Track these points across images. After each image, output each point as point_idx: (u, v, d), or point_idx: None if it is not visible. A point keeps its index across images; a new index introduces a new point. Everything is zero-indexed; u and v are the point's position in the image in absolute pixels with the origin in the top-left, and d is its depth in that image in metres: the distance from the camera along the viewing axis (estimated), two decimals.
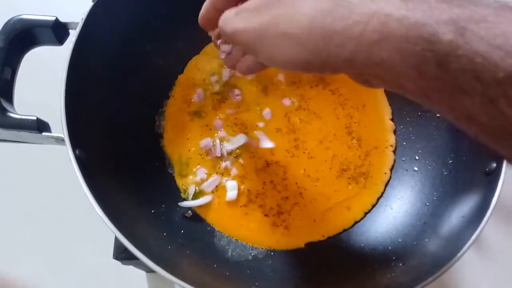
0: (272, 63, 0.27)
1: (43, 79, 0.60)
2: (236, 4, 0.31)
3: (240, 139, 0.52)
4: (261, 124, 0.54)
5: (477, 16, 0.21)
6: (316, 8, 0.24)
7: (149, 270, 0.54)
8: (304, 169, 0.52)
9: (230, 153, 0.52)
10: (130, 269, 0.51)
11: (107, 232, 0.48)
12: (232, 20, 0.28)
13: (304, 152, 0.52)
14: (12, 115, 0.39)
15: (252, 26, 0.27)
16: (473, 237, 0.37)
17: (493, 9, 0.21)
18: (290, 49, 0.25)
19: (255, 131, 0.53)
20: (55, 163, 0.58)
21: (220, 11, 0.31)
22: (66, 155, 0.38)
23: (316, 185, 0.51)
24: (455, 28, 0.21)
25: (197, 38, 0.58)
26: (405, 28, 0.22)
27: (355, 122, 0.54)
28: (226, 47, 0.39)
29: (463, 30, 0.21)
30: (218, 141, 0.53)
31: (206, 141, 0.53)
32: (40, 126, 0.39)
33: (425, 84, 0.23)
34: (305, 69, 0.26)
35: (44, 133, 0.39)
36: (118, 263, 0.47)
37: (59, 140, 0.39)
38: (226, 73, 0.57)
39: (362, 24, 0.23)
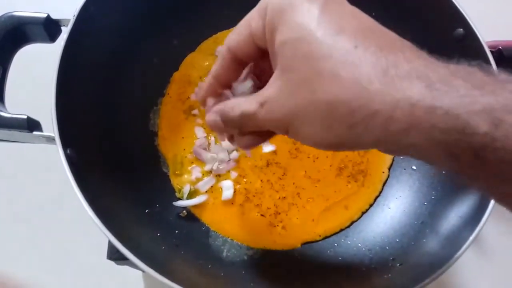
0: (303, 143, 0.27)
1: (34, 77, 0.59)
2: (239, 74, 0.31)
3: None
4: None
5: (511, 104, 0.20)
6: (334, 96, 0.23)
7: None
8: (305, 171, 0.51)
9: (225, 151, 0.51)
10: (126, 268, 0.50)
11: (102, 232, 0.48)
12: (255, 114, 0.28)
13: (308, 157, 0.52)
14: (2, 114, 0.39)
15: (277, 117, 0.27)
16: (472, 237, 0.37)
17: None
18: (315, 134, 0.25)
19: None
20: (48, 163, 0.57)
21: (223, 85, 0.32)
22: (58, 154, 0.37)
23: (316, 186, 0.50)
24: (490, 119, 0.20)
25: (193, 35, 0.58)
26: (434, 119, 0.21)
27: None
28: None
29: (498, 121, 0.20)
30: (213, 139, 0.52)
31: (201, 140, 0.52)
32: (30, 125, 0.38)
33: (459, 167, 0.22)
34: (336, 149, 0.27)
35: (34, 132, 0.39)
36: (113, 263, 0.46)
37: (50, 139, 0.38)
38: None
39: (384, 114, 0.22)
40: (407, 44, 0.25)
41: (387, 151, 0.26)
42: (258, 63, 0.31)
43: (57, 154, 0.40)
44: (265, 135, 0.32)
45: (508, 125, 0.20)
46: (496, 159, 0.20)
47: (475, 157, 0.21)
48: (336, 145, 0.25)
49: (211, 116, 0.32)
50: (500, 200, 0.24)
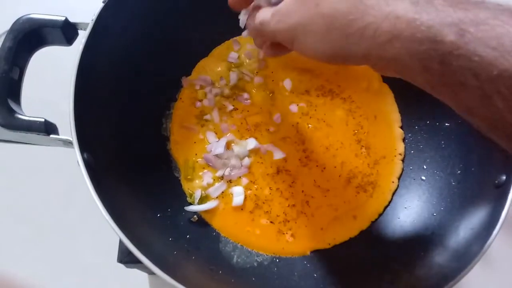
0: (304, 55, 0.31)
1: (50, 79, 0.59)
2: None
3: (249, 143, 0.52)
4: (271, 129, 0.54)
5: (477, 19, 0.23)
6: (334, 8, 0.27)
7: (151, 272, 0.54)
8: (315, 180, 0.51)
9: (237, 157, 0.52)
10: (132, 270, 0.50)
11: (109, 234, 0.48)
12: (268, 23, 0.33)
13: (317, 166, 0.52)
14: (20, 116, 0.39)
15: (284, 27, 0.31)
16: (482, 250, 0.37)
17: (493, 12, 0.24)
18: (315, 44, 0.29)
19: (264, 144, 0.53)
20: (60, 164, 0.58)
21: None
22: (70, 156, 0.37)
23: (325, 196, 0.50)
24: (457, 30, 0.23)
25: (205, 41, 0.58)
26: (413, 29, 0.25)
27: (365, 133, 0.53)
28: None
29: (463, 32, 0.23)
30: (224, 145, 0.52)
31: (212, 145, 0.52)
32: (48, 128, 0.39)
33: (430, 78, 0.26)
34: (331, 61, 0.30)
35: (52, 136, 0.39)
36: (119, 264, 0.46)
37: (67, 143, 0.39)
38: (233, 76, 0.56)
39: (375, 26, 0.26)
40: None
41: (374, 66, 0.29)
42: None
43: (66, 156, 0.40)
44: (280, 48, 0.36)
45: (471, 35, 0.23)
46: (458, 65, 0.24)
47: (441, 64, 0.24)
48: (332, 56, 0.29)
49: (249, 21, 0.39)
50: (462, 110, 0.26)
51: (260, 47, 0.41)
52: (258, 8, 0.37)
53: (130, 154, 0.47)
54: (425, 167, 0.51)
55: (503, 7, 0.24)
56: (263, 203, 0.50)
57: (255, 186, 0.51)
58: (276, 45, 0.37)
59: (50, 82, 0.59)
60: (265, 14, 0.33)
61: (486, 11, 0.24)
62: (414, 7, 0.25)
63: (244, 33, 0.43)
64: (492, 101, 0.23)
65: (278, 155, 0.52)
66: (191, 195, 0.50)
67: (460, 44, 0.23)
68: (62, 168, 0.58)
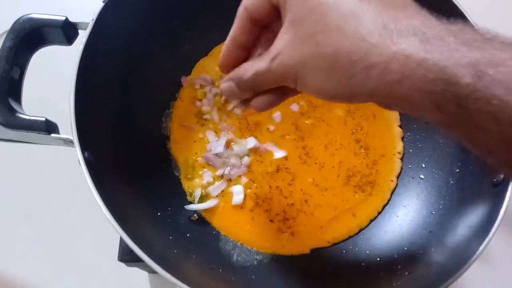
0: (308, 93, 0.29)
1: (50, 78, 0.59)
2: (257, 37, 0.33)
3: (249, 142, 0.52)
4: (271, 128, 0.54)
5: (495, 60, 0.22)
6: (336, 48, 0.25)
7: (152, 271, 0.54)
8: (313, 178, 0.51)
9: (237, 156, 0.52)
10: (132, 269, 0.51)
11: (109, 233, 0.48)
12: (267, 69, 0.30)
13: (315, 163, 0.52)
14: (20, 115, 0.39)
15: (286, 68, 0.29)
16: (480, 248, 0.37)
17: (510, 52, 0.22)
18: (319, 84, 0.27)
19: (264, 144, 0.53)
20: (61, 164, 0.58)
21: (242, 48, 0.33)
22: (71, 156, 0.38)
23: (324, 195, 0.51)
24: (474, 72, 0.22)
25: (205, 40, 0.58)
26: (425, 70, 0.23)
27: (364, 133, 0.54)
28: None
29: (481, 74, 0.22)
30: (224, 144, 0.52)
31: (212, 144, 0.53)
32: (49, 127, 0.39)
33: (444, 118, 0.24)
34: (335, 100, 0.28)
35: (52, 135, 0.39)
36: (119, 263, 0.47)
37: (68, 142, 0.39)
38: None
39: (381, 65, 0.24)
40: (408, 1, 0.27)
41: (380, 103, 0.28)
42: (272, 26, 0.32)
43: (66, 155, 0.40)
44: (279, 93, 0.33)
45: (489, 77, 0.22)
46: (476, 108, 0.22)
47: (457, 106, 0.23)
48: (336, 95, 0.27)
49: (225, 83, 0.34)
50: (480, 151, 0.25)
51: (245, 103, 0.35)
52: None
53: (130, 153, 0.47)
54: (423, 165, 0.52)
55: None
56: (263, 201, 0.50)
57: (255, 185, 0.51)
58: (273, 91, 0.33)
59: (51, 82, 0.59)
60: (259, 65, 0.30)
61: (503, 51, 0.22)
62: (424, 45, 0.23)
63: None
64: None
65: (278, 154, 0.52)
66: (191, 194, 0.50)
67: (479, 87, 0.22)
68: (63, 167, 0.58)
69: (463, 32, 0.24)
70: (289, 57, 0.28)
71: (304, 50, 0.27)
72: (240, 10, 0.32)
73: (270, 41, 0.33)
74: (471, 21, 0.45)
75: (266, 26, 0.32)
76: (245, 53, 0.33)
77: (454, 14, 0.47)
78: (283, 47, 0.28)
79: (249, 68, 0.31)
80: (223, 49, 0.34)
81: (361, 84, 0.25)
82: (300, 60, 0.27)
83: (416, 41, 0.23)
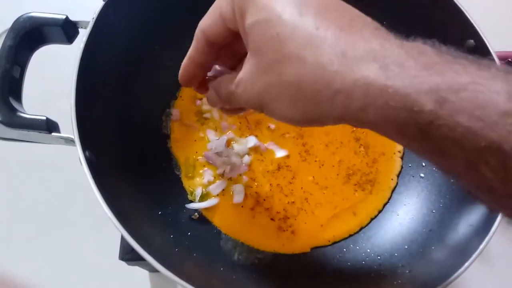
0: (276, 119, 0.29)
1: (50, 77, 0.59)
2: (214, 58, 0.33)
3: (249, 141, 0.52)
4: (272, 126, 0.54)
5: (456, 85, 0.21)
6: (298, 77, 0.25)
7: (152, 270, 0.54)
8: (313, 176, 0.52)
9: (237, 155, 0.52)
10: (133, 268, 0.51)
11: (110, 232, 0.48)
12: (235, 94, 0.30)
13: (315, 161, 0.52)
14: (21, 114, 0.39)
15: (250, 97, 0.29)
16: (481, 246, 0.37)
17: (472, 75, 0.22)
18: (285, 111, 0.27)
19: (265, 143, 0.53)
20: (61, 163, 0.58)
21: (201, 66, 0.34)
22: (71, 155, 0.38)
23: (324, 193, 0.51)
24: (435, 98, 0.21)
25: None
26: (386, 98, 0.22)
27: (363, 132, 0.54)
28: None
29: (443, 100, 0.21)
30: (225, 143, 0.52)
31: (212, 144, 0.53)
32: (49, 126, 0.39)
33: (410, 143, 0.24)
34: (304, 125, 0.28)
35: (53, 134, 0.39)
36: (120, 262, 0.47)
37: (69, 141, 0.39)
38: None
39: (344, 93, 0.24)
40: (367, 21, 0.26)
41: (351, 125, 0.27)
42: (233, 44, 0.32)
43: (67, 154, 0.40)
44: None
45: (451, 104, 0.21)
46: (439, 135, 0.22)
47: (421, 133, 0.22)
48: (305, 122, 0.27)
49: (209, 92, 0.35)
50: (448, 174, 0.25)
51: (224, 110, 0.39)
52: (212, 79, 0.35)
53: (130, 152, 0.47)
54: (424, 164, 0.52)
55: (479, 64, 0.22)
56: (264, 200, 0.50)
57: (256, 184, 0.51)
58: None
59: (51, 81, 0.59)
60: (227, 85, 0.31)
61: (464, 75, 0.22)
62: (385, 72, 0.23)
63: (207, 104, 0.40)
64: (480, 170, 0.22)
65: (280, 153, 0.52)
66: (191, 193, 0.50)
67: (440, 114, 0.21)
68: (63, 166, 0.58)
69: (424, 55, 0.23)
70: (252, 85, 0.28)
71: (267, 79, 0.27)
72: (197, 32, 0.32)
73: (229, 57, 0.34)
74: (473, 21, 0.45)
75: (224, 46, 0.32)
76: (204, 70, 0.34)
77: (454, 12, 0.47)
78: (247, 74, 0.28)
79: (222, 87, 0.32)
80: (182, 65, 0.34)
81: (327, 111, 0.25)
82: (263, 89, 0.27)
83: (376, 67, 0.23)
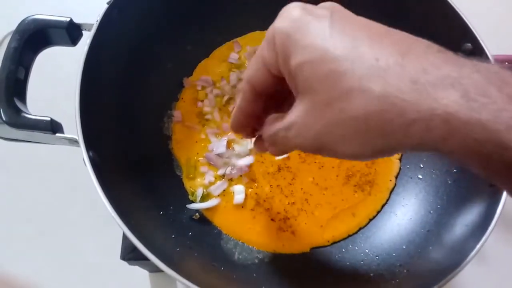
0: (339, 158, 0.29)
1: (54, 79, 0.60)
2: (264, 107, 0.32)
3: (250, 142, 0.52)
4: None
5: None
6: (365, 109, 0.23)
7: (152, 270, 0.55)
8: (313, 177, 0.52)
9: (238, 156, 0.53)
10: (133, 268, 0.51)
11: (110, 233, 0.49)
12: (286, 139, 0.28)
13: (315, 162, 0.53)
14: (26, 115, 0.39)
15: (306, 140, 0.27)
16: (478, 246, 0.38)
17: None
18: (351, 149, 0.25)
19: None
20: (61, 162, 0.58)
21: (251, 116, 0.32)
22: (72, 155, 0.38)
23: (324, 194, 0.51)
24: None
25: (207, 42, 0.59)
26: (471, 130, 0.21)
27: None
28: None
29: None
30: (226, 144, 0.53)
31: (213, 145, 0.53)
32: (54, 127, 0.39)
33: (490, 175, 0.23)
34: (374, 158, 0.27)
35: (57, 134, 0.40)
36: (121, 262, 0.47)
37: (72, 142, 0.39)
38: (233, 77, 0.57)
39: (423, 122, 0.22)
40: (426, 45, 0.24)
41: (428, 152, 0.25)
42: (280, 92, 0.31)
43: (69, 154, 0.40)
44: None
45: None
46: None
47: (506, 168, 0.21)
48: (375, 155, 0.26)
49: (264, 144, 0.32)
50: None
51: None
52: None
53: (133, 152, 0.48)
54: (421, 166, 0.53)
55: None
56: (264, 201, 0.51)
57: (256, 184, 0.52)
58: None
59: (55, 82, 0.60)
60: (276, 130, 0.29)
61: None
62: (467, 102, 0.21)
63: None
64: None
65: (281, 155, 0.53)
66: (193, 193, 0.51)
67: None
68: (63, 166, 0.59)
69: (505, 82, 0.22)
70: (307, 128, 0.26)
71: (326, 119, 0.25)
72: (244, 83, 0.31)
73: (280, 106, 0.32)
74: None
75: (273, 95, 0.31)
76: (254, 120, 0.33)
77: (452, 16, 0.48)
78: (299, 116, 0.26)
79: (268, 128, 0.31)
80: (233, 115, 0.33)
81: (400, 141, 0.23)
82: (323, 130, 0.25)
83: (457, 96, 0.21)
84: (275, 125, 0.29)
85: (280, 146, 0.30)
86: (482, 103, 0.21)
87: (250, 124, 0.34)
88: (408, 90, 0.22)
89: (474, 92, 0.21)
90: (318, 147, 0.27)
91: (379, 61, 0.23)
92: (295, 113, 0.27)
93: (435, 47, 0.24)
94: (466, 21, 0.47)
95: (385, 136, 0.24)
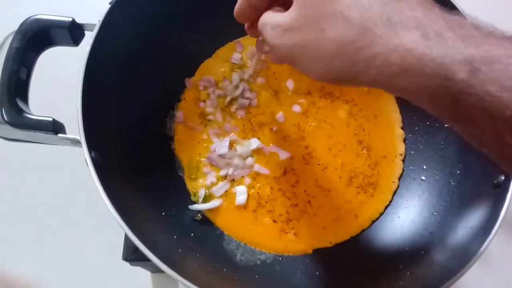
0: (305, 74, 0.30)
1: (56, 79, 0.60)
2: (269, 2, 0.34)
3: (252, 143, 0.52)
4: (275, 128, 0.54)
5: (490, 57, 0.23)
6: (341, 35, 0.26)
7: (154, 271, 0.54)
8: (317, 179, 0.52)
9: (240, 157, 0.52)
10: (135, 269, 0.51)
11: (112, 233, 0.49)
12: (270, 33, 0.31)
13: (318, 164, 0.53)
14: (28, 115, 0.39)
15: (285, 44, 0.30)
16: (481, 249, 0.38)
17: (506, 49, 0.23)
18: (320, 68, 0.28)
19: (267, 146, 0.53)
20: (62, 163, 0.58)
21: (254, 8, 0.34)
22: (74, 155, 0.38)
23: (327, 196, 0.51)
24: (469, 68, 0.23)
25: (208, 42, 0.59)
26: (422, 65, 0.24)
27: (366, 134, 0.54)
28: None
29: (476, 70, 0.22)
30: (228, 145, 0.53)
31: (215, 145, 0.53)
32: (56, 128, 0.39)
33: (440, 111, 0.25)
34: (335, 83, 0.29)
35: (59, 135, 0.40)
36: (122, 262, 0.47)
37: (75, 142, 0.39)
38: (236, 77, 0.57)
39: (383, 56, 0.25)
40: None
41: (384, 89, 0.28)
42: None
43: (67, 155, 0.40)
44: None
45: (483, 74, 0.22)
46: (469, 103, 0.23)
47: (452, 101, 0.24)
48: (336, 80, 0.28)
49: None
50: (476, 143, 0.26)
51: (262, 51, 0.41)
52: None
53: (135, 153, 0.48)
54: (425, 167, 0.52)
55: None
56: (266, 202, 0.51)
57: (258, 185, 0.52)
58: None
59: (57, 82, 0.59)
60: (266, 22, 0.32)
61: (498, 48, 0.23)
62: (424, 41, 0.24)
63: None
64: (505, 138, 0.23)
65: (283, 155, 0.53)
66: (195, 194, 0.51)
67: (472, 83, 0.23)
68: (64, 167, 0.59)
69: (462, 27, 0.24)
70: (289, 35, 0.29)
71: (307, 34, 0.28)
72: None
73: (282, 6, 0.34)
74: (462, 11, 0.46)
75: None
76: (257, 12, 0.34)
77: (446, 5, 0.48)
78: (286, 21, 0.29)
79: (265, 21, 0.32)
80: (238, 3, 0.35)
81: (363, 71, 0.26)
82: (300, 43, 0.28)
83: (418, 35, 0.24)
84: (268, 17, 0.32)
85: (266, 38, 0.32)
86: (436, 42, 0.24)
87: (252, 17, 0.35)
88: (381, 26, 0.25)
89: (432, 33, 0.24)
90: (291, 57, 0.30)
91: None
92: (285, 17, 0.29)
93: None
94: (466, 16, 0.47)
95: (352, 65, 0.26)
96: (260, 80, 0.57)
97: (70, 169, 0.56)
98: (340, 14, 0.26)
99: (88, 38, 0.43)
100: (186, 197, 0.51)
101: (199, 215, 0.50)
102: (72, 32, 0.44)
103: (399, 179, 0.53)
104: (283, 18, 0.30)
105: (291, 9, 0.29)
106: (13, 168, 0.62)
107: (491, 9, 0.76)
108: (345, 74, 0.27)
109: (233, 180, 0.52)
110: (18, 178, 0.61)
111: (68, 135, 0.40)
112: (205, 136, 0.54)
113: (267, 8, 0.34)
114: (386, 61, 0.25)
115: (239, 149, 0.53)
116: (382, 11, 0.25)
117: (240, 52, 0.59)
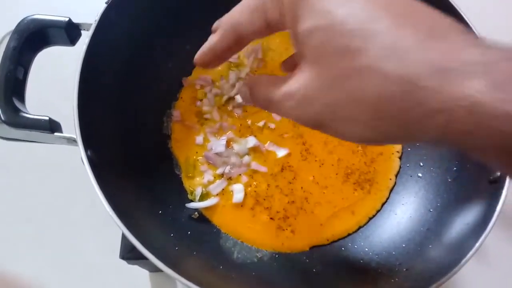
0: (343, 139, 0.25)
1: (53, 78, 0.60)
2: (236, 51, 0.30)
3: (249, 141, 0.52)
4: (272, 126, 0.54)
5: None
6: (377, 94, 0.21)
7: (152, 270, 0.55)
8: (313, 176, 0.52)
9: (237, 155, 0.53)
10: (133, 268, 0.51)
11: (110, 232, 0.49)
12: (282, 109, 0.26)
13: (315, 160, 0.53)
14: (24, 114, 0.40)
15: (306, 116, 0.25)
16: (477, 244, 0.38)
17: None
18: (357, 132, 0.23)
19: (264, 144, 0.53)
20: (61, 162, 0.58)
21: (220, 57, 0.30)
22: (72, 154, 0.38)
23: (324, 193, 0.51)
24: None
25: (206, 41, 0.59)
26: (500, 122, 0.19)
27: None
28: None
29: None
30: (225, 143, 0.53)
31: (212, 144, 0.53)
32: (52, 127, 0.39)
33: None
34: (380, 144, 0.26)
35: (56, 134, 0.40)
36: (121, 262, 0.47)
37: (71, 141, 0.39)
38: (233, 75, 0.57)
39: (446, 114, 0.20)
40: (447, 22, 0.22)
41: (448, 147, 0.24)
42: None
43: (68, 154, 0.40)
44: None
45: None
46: None
47: None
48: (382, 141, 0.24)
49: (243, 88, 0.30)
50: None
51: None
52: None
53: (131, 152, 0.48)
54: (421, 164, 0.52)
55: None
56: (264, 199, 0.51)
57: (255, 183, 0.52)
58: None
59: (54, 82, 0.60)
60: (270, 92, 0.26)
61: None
62: (495, 92, 0.19)
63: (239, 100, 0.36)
64: None
65: (281, 152, 0.53)
66: (191, 192, 0.51)
67: None
68: (63, 166, 0.59)
69: None
70: (310, 102, 0.24)
71: (334, 97, 0.23)
72: (226, 27, 0.28)
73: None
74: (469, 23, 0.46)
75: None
76: (223, 60, 0.31)
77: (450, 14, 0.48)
78: (302, 89, 0.24)
79: (260, 91, 0.28)
80: (201, 52, 0.31)
81: (420, 131, 0.21)
82: (328, 108, 0.23)
83: (483, 85, 0.19)
84: (270, 90, 0.26)
85: (272, 111, 0.28)
86: (509, 93, 0.19)
87: (216, 64, 0.31)
88: (428, 76, 0.20)
89: (502, 82, 0.19)
90: (318, 124, 0.25)
91: (398, 42, 0.21)
92: (298, 82, 0.24)
93: (459, 27, 0.22)
94: (465, 18, 0.47)
95: (402, 124, 0.21)
96: None
97: (70, 169, 0.56)
98: (371, 69, 0.21)
99: (85, 38, 0.43)
100: (183, 195, 0.51)
101: (196, 213, 0.50)
102: (69, 31, 0.44)
103: (396, 176, 0.53)
104: (291, 86, 0.25)
105: (302, 72, 0.24)
106: (12, 168, 0.62)
107: (486, 9, 0.76)
108: (395, 135, 0.22)
109: (230, 178, 0.52)
110: (17, 178, 0.61)
111: (64, 134, 0.40)
112: (202, 135, 0.54)
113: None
114: (449, 119, 0.20)
115: (236, 147, 0.53)
116: (425, 58, 0.20)
117: None
